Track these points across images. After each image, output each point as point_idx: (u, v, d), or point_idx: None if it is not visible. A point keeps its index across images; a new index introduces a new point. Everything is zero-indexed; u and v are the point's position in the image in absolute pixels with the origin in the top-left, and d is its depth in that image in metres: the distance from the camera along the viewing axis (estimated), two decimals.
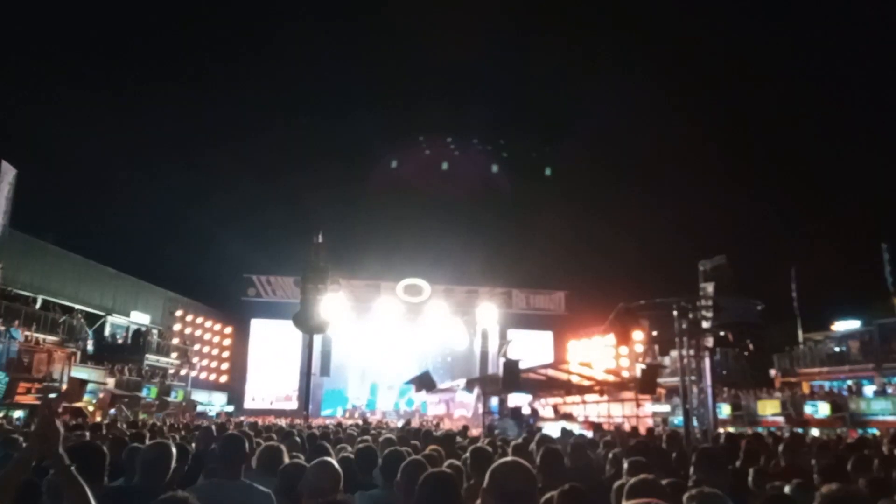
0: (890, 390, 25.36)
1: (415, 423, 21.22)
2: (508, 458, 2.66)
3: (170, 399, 28.65)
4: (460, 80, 37.22)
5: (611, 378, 23.28)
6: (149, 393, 26.72)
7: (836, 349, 29.90)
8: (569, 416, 21.30)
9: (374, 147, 42.40)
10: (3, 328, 19.16)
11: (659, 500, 2.26)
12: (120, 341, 29.21)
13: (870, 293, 29.81)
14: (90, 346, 25.46)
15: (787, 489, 3.80)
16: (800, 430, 22.79)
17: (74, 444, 3.24)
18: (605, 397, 23.47)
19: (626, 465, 4.53)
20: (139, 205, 31.62)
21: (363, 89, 41.61)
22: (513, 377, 18.06)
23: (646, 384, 16.23)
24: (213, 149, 36.75)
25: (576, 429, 16.26)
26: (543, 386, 24.26)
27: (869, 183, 29.84)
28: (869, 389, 26.25)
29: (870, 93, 33.81)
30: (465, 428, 13.78)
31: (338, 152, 41.13)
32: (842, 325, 30.59)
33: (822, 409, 25.26)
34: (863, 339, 28.94)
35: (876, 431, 22.02)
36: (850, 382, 27.75)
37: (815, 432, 23.28)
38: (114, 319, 29.64)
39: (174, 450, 3.79)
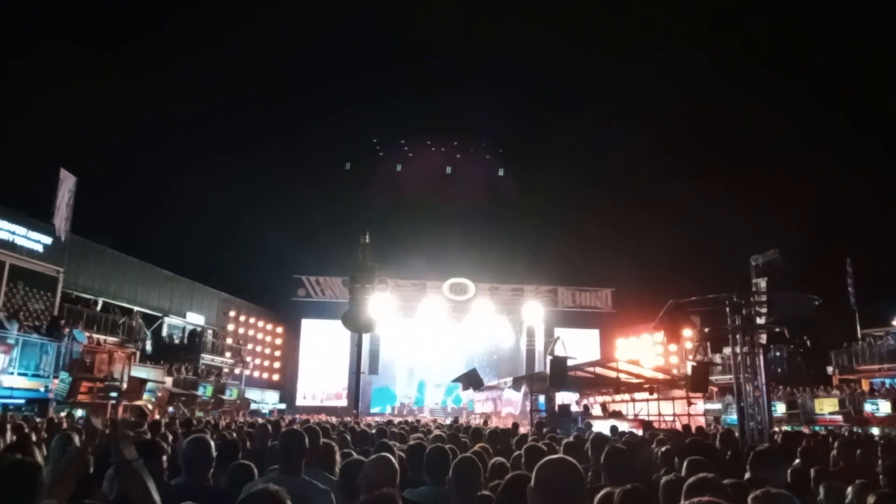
0: None
1: (462, 421, 21.34)
2: (554, 456, 2.67)
3: (224, 397, 29.42)
4: (498, 74, 37.00)
5: (660, 376, 22.96)
6: (205, 391, 27.49)
7: None
8: (618, 415, 21.07)
9: (417, 148, 42.60)
10: (67, 330, 20.03)
11: (719, 499, 2.23)
12: (177, 341, 30.14)
13: None
14: (149, 347, 26.37)
15: (849, 490, 3.72)
16: (858, 430, 22.09)
17: (133, 441, 3.37)
18: (655, 395, 23.14)
19: (684, 464, 4.49)
20: (192, 209, 32.50)
21: (405, 87, 41.78)
22: (560, 375, 17.97)
23: (697, 382, 15.93)
24: (262, 151, 37.54)
25: (625, 427, 16.11)
26: (591, 384, 24.08)
27: None
28: None
29: None
30: (515, 426, 13.81)
31: (381, 152, 41.45)
32: None
33: (883, 407, 24.36)
34: None
35: None
36: None
37: (875, 431, 22.50)
38: (170, 320, 30.63)
39: (213, 444, 3.87)
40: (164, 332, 30.01)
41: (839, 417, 25.02)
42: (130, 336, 24.60)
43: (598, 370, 23.00)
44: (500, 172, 42.22)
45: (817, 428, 22.01)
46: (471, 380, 24.01)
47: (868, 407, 24.88)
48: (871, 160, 31.51)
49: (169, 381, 24.88)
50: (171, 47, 34.98)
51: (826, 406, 26.14)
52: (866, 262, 30.64)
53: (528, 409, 21.85)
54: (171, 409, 23.32)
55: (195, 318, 32.15)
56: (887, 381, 28.08)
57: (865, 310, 30.75)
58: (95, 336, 22.14)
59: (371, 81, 42.29)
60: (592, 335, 40.46)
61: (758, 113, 33.93)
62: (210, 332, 32.63)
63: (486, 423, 21.44)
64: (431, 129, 42.10)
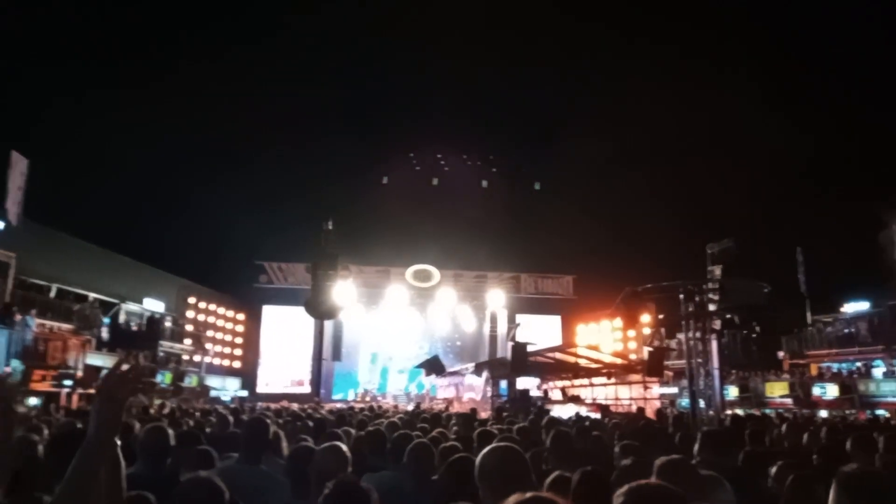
0: None
1: (424, 407, 21.50)
2: (496, 445, 2.74)
3: (184, 385, 29.07)
4: (469, 66, 36.96)
5: (618, 361, 23.48)
6: (163, 379, 27.13)
7: (846, 331, 29.89)
8: (577, 399, 21.49)
9: (383, 133, 42.36)
10: (19, 317, 19.52)
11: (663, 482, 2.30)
12: (134, 328, 29.60)
13: (879, 274, 29.71)
14: (105, 334, 25.85)
15: (772, 470, 3.89)
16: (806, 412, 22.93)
17: (71, 430, 3.31)
18: (613, 380, 23.66)
19: (617, 448, 4.62)
20: (151, 193, 31.82)
21: (375, 75, 41.46)
22: (521, 361, 18.26)
23: (653, 367, 16.37)
24: (224, 135, 36.86)
25: (583, 411, 16.46)
26: (551, 369, 24.51)
27: (878, 162, 29.62)
28: (878, 371, 26.26)
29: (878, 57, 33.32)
30: (474, 411, 13.99)
31: (347, 138, 41.08)
32: (851, 307, 30.57)
33: (831, 391, 25.34)
34: (872, 320, 28.91)
35: (885, 413, 22.14)
36: (858, 364, 27.78)
37: (823, 414, 23.42)
38: (128, 307, 30.02)
39: (170, 433, 3.86)
40: (122, 319, 29.41)
41: (789, 401, 25.95)
42: (85, 323, 24.06)
43: (559, 356, 23.41)
44: (464, 161, 42.27)
45: (768, 411, 22.78)
46: (433, 366, 24.22)
47: (816, 391, 25.84)
48: (822, 153, 32.45)
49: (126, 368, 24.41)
50: (126, 20, 34.03)
51: (777, 390, 27.09)
52: (817, 251, 31.68)
53: (490, 394, 22.12)
54: None
55: (153, 305, 31.58)
56: (835, 365, 29.19)
57: (815, 297, 31.84)
58: (49, 323, 21.62)
59: (339, 65, 41.77)
60: (554, 321, 41.00)
61: (710, 106, 34.62)
62: (169, 318, 32.10)
63: (447, 408, 21.64)
64: (399, 116, 41.87)
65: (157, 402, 21.22)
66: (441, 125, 38.93)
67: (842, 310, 30.98)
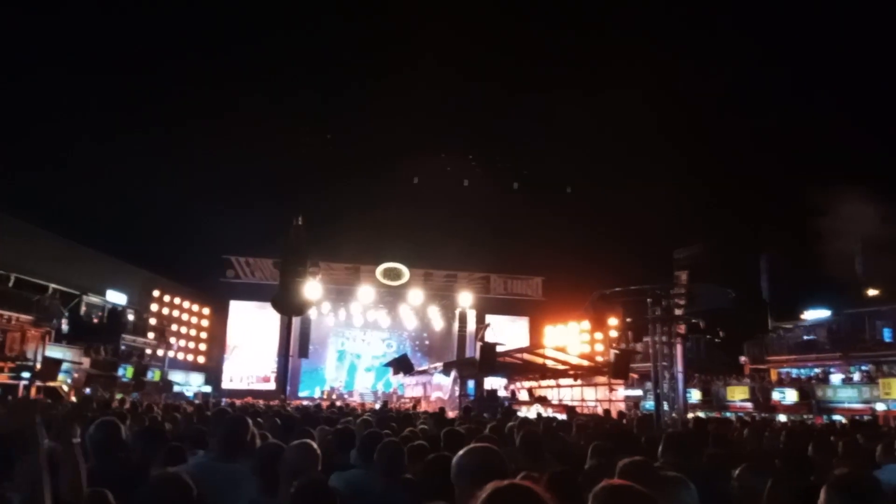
0: (856, 378, 26.10)
1: (392, 405, 21.46)
2: (474, 445, 2.74)
3: (146, 379, 28.54)
4: (447, 62, 36.94)
5: (585, 363, 23.73)
6: (125, 373, 26.61)
7: (805, 337, 30.65)
8: (543, 400, 21.65)
9: (355, 129, 42.07)
10: None
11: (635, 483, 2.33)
12: (96, 321, 28.96)
13: (839, 283, 30.50)
14: (65, 326, 25.25)
15: (735, 472, 3.96)
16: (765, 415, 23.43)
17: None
18: (579, 381, 23.90)
19: (590, 448, 4.67)
20: (116, 183, 31.08)
21: (347, 65, 41.09)
22: (489, 361, 18.33)
23: (619, 369, 16.58)
24: (192, 126, 36.23)
25: (545, 412, 16.58)
26: (519, 370, 24.66)
27: (840, 173, 30.36)
28: (836, 377, 26.98)
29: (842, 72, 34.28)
30: (442, 410, 14.00)
31: (318, 132, 40.74)
32: (811, 314, 31.33)
33: (790, 396, 25.96)
34: (830, 328, 29.70)
35: (842, 419, 22.76)
36: (817, 370, 28.50)
37: (782, 418, 23.97)
38: (89, 299, 29.35)
39: (122, 427, 3.78)
40: (83, 311, 28.75)
41: (749, 405, 26.50)
42: (45, 314, 23.46)
43: (527, 356, 23.56)
44: (437, 160, 42.22)
45: (728, 414, 23.23)
46: (401, 364, 24.17)
47: (776, 395, 26.45)
48: (788, 165, 33.24)
49: (86, 361, 23.93)
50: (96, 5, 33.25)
51: (737, 394, 27.64)
52: (781, 258, 32.37)
53: (457, 394, 22.16)
54: (88, 390, 22.46)
55: (116, 297, 30.90)
56: (794, 371, 29.91)
57: (777, 304, 32.53)
58: (8, 314, 21.03)
59: (310, 57, 41.40)
60: (522, 322, 41.27)
61: (683, 112, 35.21)
62: (132, 311, 31.48)
63: (415, 407, 21.62)
64: (371, 111, 41.65)
65: (119, 396, 20.81)
66: (421, 123, 38.83)
67: (802, 317, 31.73)
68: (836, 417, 23.26)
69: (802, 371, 29.39)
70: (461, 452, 2.58)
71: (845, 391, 25.10)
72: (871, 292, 30.37)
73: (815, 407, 24.73)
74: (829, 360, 28.56)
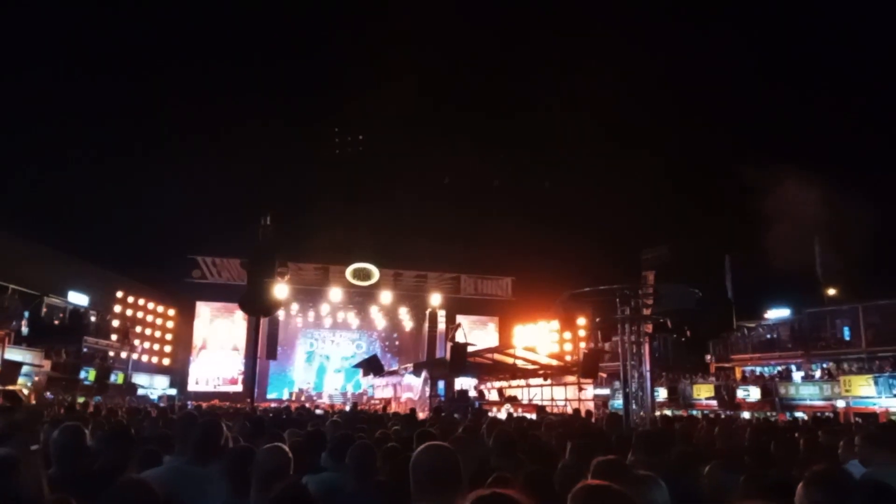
0: (817, 376, 26.74)
1: (362, 407, 21.35)
2: (429, 444, 2.76)
3: (109, 382, 27.90)
4: (419, 62, 36.87)
5: (554, 362, 23.89)
6: (87, 376, 26.00)
7: (768, 336, 31.33)
8: (513, 400, 21.73)
9: (324, 127, 41.80)
10: None
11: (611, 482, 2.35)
12: (57, 322, 28.26)
13: (800, 283, 31.26)
14: (25, 328, 24.58)
15: (706, 469, 4.01)
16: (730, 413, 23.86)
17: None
18: (549, 381, 24.04)
19: (568, 447, 4.69)
20: (79, 181, 30.39)
21: (317, 61, 40.82)
22: (460, 361, 18.34)
23: (588, 368, 16.74)
24: (156, 124, 35.60)
25: (519, 412, 16.65)
26: (489, 370, 24.71)
27: (799, 174, 31.06)
28: (797, 375, 27.61)
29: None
30: (413, 411, 13.97)
31: (287, 129, 40.33)
32: (773, 314, 32.04)
33: (754, 394, 26.48)
34: (792, 326, 30.41)
35: (804, 415, 23.31)
36: (779, 368, 29.14)
37: (745, 415, 24.46)
38: (50, 300, 28.63)
39: (86, 433, 3.72)
40: (43, 313, 28.03)
41: (714, 402, 26.96)
42: (4, 316, 22.80)
43: (497, 356, 23.62)
44: (406, 160, 42.15)
45: (694, 412, 23.61)
46: (371, 365, 24.05)
47: (740, 393, 26.96)
48: (753, 162, 33.93)
49: (47, 364, 23.33)
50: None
51: (703, 392, 28.11)
52: (743, 260, 33.05)
53: (428, 394, 22.13)
54: (49, 394, 21.89)
55: (78, 299, 30.18)
56: (758, 369, 30.54)
57: (741, 304, 33.19)
58: None
59: (277, 53, 41.00)
60: (493, 322, 41.42)
61: (649, 118, 35.74)
62: (94, 313, 30.77)
63: (385, 409, 21.52)
64: (340, 110, 41.43)
65: (81, 399, 20.32)
66: (394, 123, 38.71)
67: (765, 316, 32.43)
68: (799, 414, 23.83)
69: (766, 369, 30.03)
70: (416, 451, 2.61)
71: (807, 388, 25.68)
72: (831, 292, 31.20)
73: (779, 404, 25.25)
74: (791, 357, 29.23)
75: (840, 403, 23.78)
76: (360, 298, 39.12)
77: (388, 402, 27.87)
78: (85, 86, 31.70)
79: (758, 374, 29.75)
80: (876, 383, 22.82)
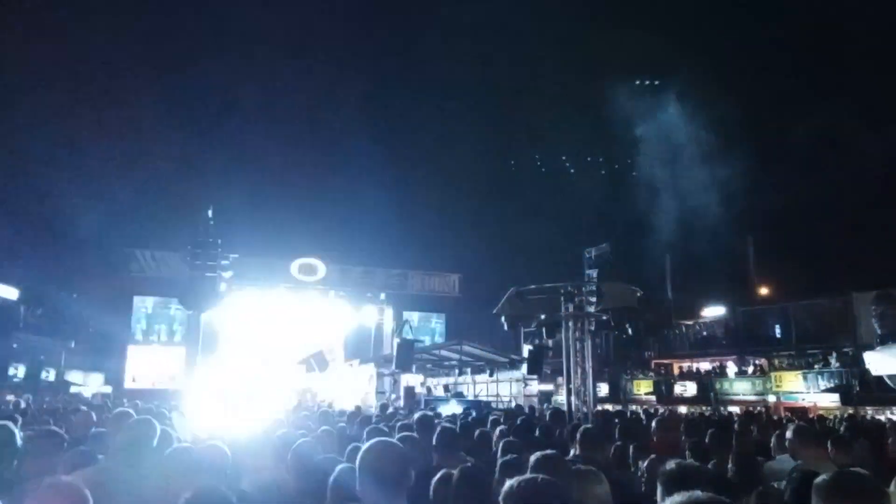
0: (749, 372, 27.80)
1: (306, 403, 21.08)
2: (375, 441, 2.77)
3: (41, 379, 26.83)
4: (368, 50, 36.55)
5: (501, 359, 24.13)
6: (17, 373, 24.93)
7: (704, 334, 32.41)
8: (459, 395, 21.85)
9: (267, 116, 41.03)
10: None
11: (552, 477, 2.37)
12: None
13: (735, 283, 32.42)
14: None
15: (643, 463, 4.11)
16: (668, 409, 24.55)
17: None
18: (494, 377, 24.27)
19: (500, 445, 4.73)
20: (9, 170, 29.03)
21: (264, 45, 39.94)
22: (406, 357, 18.32)
23: (533, 365, 16.95)
24: (94, 115, 34.24)
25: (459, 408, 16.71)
26: (436, 366, 24.79)
27: (736, 179, 32.12)
28: (731, 371, 28.64)
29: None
30: (358, 408, 13.88)
31: (229, 117, 39.41)
32: (709, 312, 33.14)
33: (690, 389, 27.35)
34: (727, 325, 31.55)
35: (737, 410, 24.19)
36: (715, 364, 30.17)
37: (682, 410, 25.22)
38: None
39: (17, 433, 3.59)
40: None
41: (653, 398, 27.74)
42: None
43: (443, 352, 23.71)
44: (350, 149, 41.76)
45: (633, 407, 24.21)
46: (317, 362, 23.77)
47: (678, 388, 27.81)
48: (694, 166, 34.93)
49: None
50: None
51: (642, 387, 28.89)
52: (681, 261, 34.05)
53: (374, 391, 22.05)
54: None
55: (7, 292, 28.84)
56: (694, 365, 31.55)
57: (679, 302, 34.21)
58: None
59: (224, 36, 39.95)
60: (440, 318, 41.48)
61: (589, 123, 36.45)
62: (25, 306, 29.48)
63: (330, 406, 21.31)
64: (284, 98, 40.71)
65: (10, 398, 19.47)
66: (341, 112, 38.30)
67: (702, 314, 33.51)
68: (732, 409, 24.72)
69: (702, 365, 31.04)
70: (363, 448, 2.62)
71: (740, 384, 26.68)
72: (763, 291, 32.49)
73: (714, 399, 26.14)
74: (725, 355, 30.30)
75: (771, 398, 24.79)
76: (306, 293, 38.57)
77: (332, 399, 27.63)
78: (21, 75, 30.23)
79: (694, 370, 30.74)
80: (805, 379, 23.89)
